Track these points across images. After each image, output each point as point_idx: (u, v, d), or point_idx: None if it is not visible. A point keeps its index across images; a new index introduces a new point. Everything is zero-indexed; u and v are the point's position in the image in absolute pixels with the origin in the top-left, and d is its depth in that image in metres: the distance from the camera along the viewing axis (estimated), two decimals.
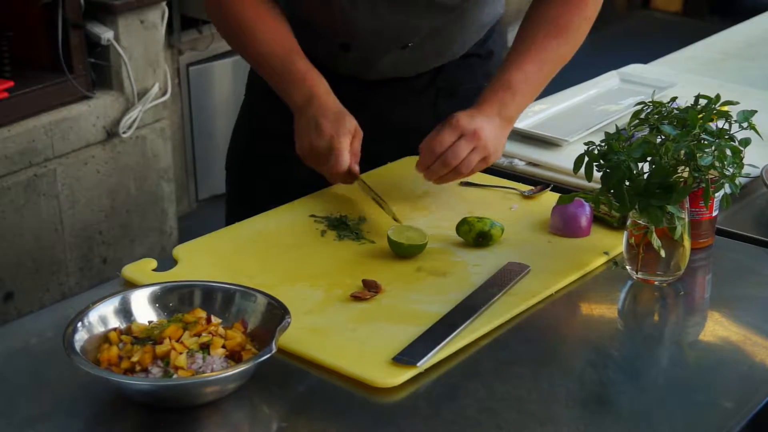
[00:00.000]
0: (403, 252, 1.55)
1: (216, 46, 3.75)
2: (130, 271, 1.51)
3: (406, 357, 1.30)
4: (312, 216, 1.68)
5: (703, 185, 1.47)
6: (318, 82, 1.70)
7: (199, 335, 1.25)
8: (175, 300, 1.35)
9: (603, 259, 1.57)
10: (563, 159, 1.92)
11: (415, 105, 1.92)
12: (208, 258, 1.55)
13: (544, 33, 1.75)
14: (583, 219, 1.62)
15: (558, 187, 1.81)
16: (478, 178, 1.84)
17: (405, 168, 1.90)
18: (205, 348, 1.24)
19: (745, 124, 1.52)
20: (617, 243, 1.57)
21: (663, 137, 1.47)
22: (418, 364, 1.29)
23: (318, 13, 1.80)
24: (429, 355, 1.31)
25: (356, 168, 1.67)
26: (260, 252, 1.57)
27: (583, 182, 1.56)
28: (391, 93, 1.91)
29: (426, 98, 1.92)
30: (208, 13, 1.82)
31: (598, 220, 1.64)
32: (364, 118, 1.70)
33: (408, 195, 1.77)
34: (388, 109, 1.91)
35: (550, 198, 1.73)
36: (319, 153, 1.65)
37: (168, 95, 3.40)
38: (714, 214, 1.60)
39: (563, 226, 1.63)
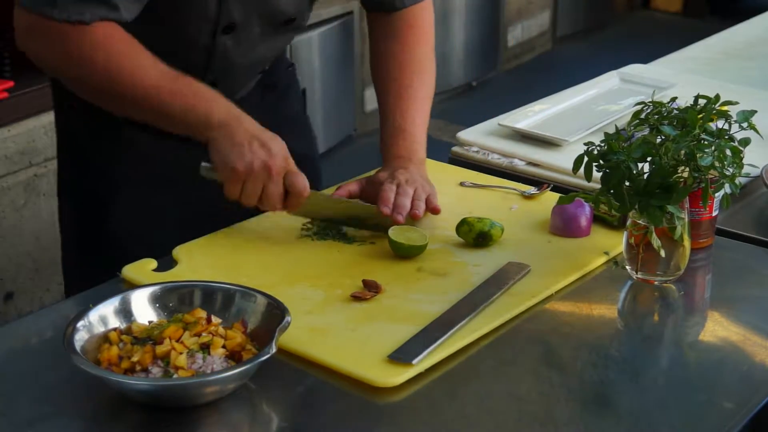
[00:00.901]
0: (403, 252, 1.55)
1: None
2: (130, 271, 1.51)
3: (401, 355, 1.30)
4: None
5: (703, 185, 1.47)
6: (229, 102, 1.58)
7: (199, 335, 1.25)
8: (175, 300, 1.35)
9: (603, 259, 1.57)
10: (563, 159, 1.92)
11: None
12: (208, 258, 1.55)
13: (408, 71, 1.78)
14: (583, 219, 1.62)
15: (558, 187, 1.81)
16: (478, 178, 1.84)
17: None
18: (205, 348, 1.24)
19: (745, 124, 1.52)
20: (617, 243, 1.57)
21: (663, 137, 1.47)
22: (414, 362, 1.29)
23: (186, 56, 1.67)
24: (424, 353, 1.31)
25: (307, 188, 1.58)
26: (260, 252, 1.57)
27: (583, 182, 1.56)
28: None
29: (255, 98, 1.86)
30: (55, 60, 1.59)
31: (598, 219, 1.64)
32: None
33: None
34: None
35: (550, 198, 1.73)
36: (268, 175, 1.53)
37: None
38: (714, 214, 1.60)
39: (563, 226, 1.63)
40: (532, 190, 1.78)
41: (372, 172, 1.73)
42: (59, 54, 1.56)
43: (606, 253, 1.58)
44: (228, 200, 1.55)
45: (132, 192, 1.75)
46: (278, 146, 1.54)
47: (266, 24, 1.70)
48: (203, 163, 1.56)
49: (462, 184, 1.82)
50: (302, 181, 1.55)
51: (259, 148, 1.52)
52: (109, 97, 1.58)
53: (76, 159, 1.82)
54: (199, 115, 1.54)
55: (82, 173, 1.81)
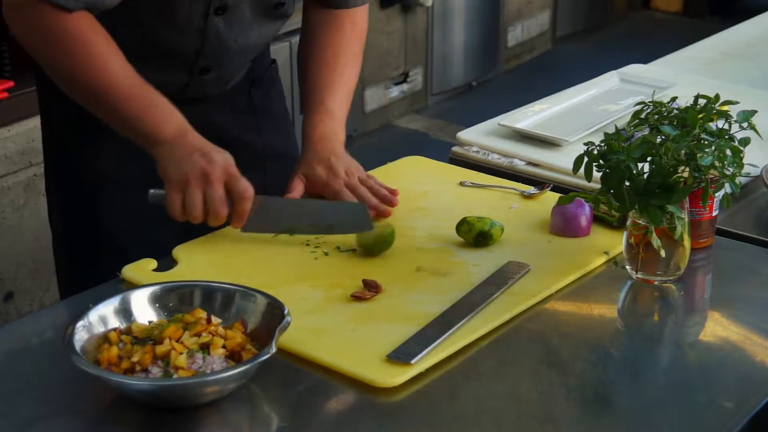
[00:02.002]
0: (373, 250, 1.56)
1: None
2: (130, 271, 1.51)
3: (400, 355, 1.30)
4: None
5: (703, 185, 1.47)
6: (184, 119, 1.59)
7: (199, 335, 1.25)
8: (175, 300, 1.35)
9: (603, 259, 1.57)
10: (563, 159, 1.92)
11: (237, 108, 1.90)
12: (208, 258, 1.55)
13: (343, 61, 1.84)
14: (583, 219, 1.62)
15: (558, 187, 1.81)
16: (478, 178, 1.84)
17: (404, 168, 1.90)
18: (205, 348, 1.24)
19: (745, 124, 1.52)
20: (617, 243, 1.57)
21: (663, 137, 1.47)
22: (413, 362, 1.29)
23: (179, 40, 1.70)
24: (423, 352, 1.31)
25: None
26: (260, 252, 1.57)
27: (583, 182, 1.56)
28: (222, 106, 1.85)
29: (242, 94, 1.90)
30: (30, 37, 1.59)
31: (598, 219, 1.64)
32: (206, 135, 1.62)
33: (407, 195, 1.77)
34: (225, 122, 1.85)
35: (550, 198, 1.73)
36: (206, 181, 1.52)
37: None
38: (714, 214, 1.60)
39: (563, 225, 1.63)
40: (532, 189, 1.78)
41: (299, 166, 1.73)
42: (36, 34, 1.57)
43: (606, 253, 1.58)
44: (173, 218, 1.53)
45: (120, 190, 1.76)
46: (220, 156, 1.54)
47: (256, 7, 1.71)
48: (151, 191, 1.56)
49: (462, 183, 1.82)
50: (243, 184, 1.53)
51: (200, 158, 1.52)
52: (77, 88, 1.59)
53: (62, 156, 1.83)
54: (148, 126, 1.56)
55: (69, 170, 1.82)
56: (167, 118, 1.57)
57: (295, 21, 1.89)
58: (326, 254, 1.57)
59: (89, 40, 1.55)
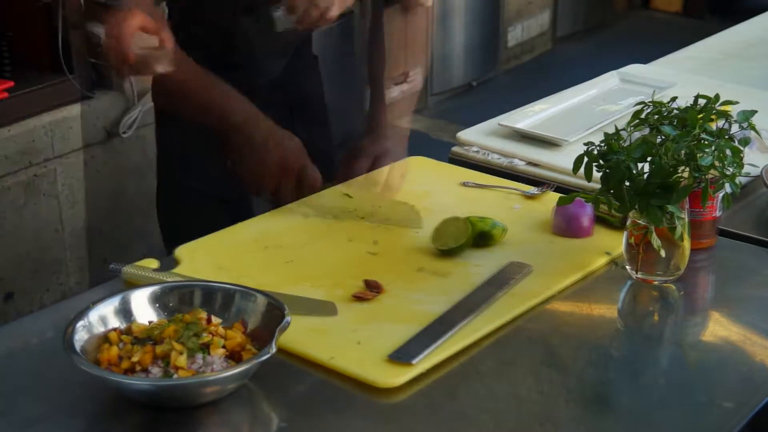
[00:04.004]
0: (450, 252, 1.57)
1: None
2: (130, 271, 1.50)
3: (401, 355, 1.30)
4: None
5: (703, 185, 1.47)
6: (252, 105, 1.74)
7: (199, 335, 1.25)
8: (175, 300, 1.35)
9: (605, 260, 1.57)
10: (563, 159, 1.92)
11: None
12: (210, 258, 1.55)
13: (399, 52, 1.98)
14: (584, 219, 1.62)
15: (559, 188, 1.81)
16: (480, 178, 1.84)
17: (406, 168, 1.90)
18: (205, 348, 1.24)
19: (745, 124, 1.52)
20: (619, 243, 1.57)
21: (663, 137, 1.47)
22: (413, 362, 1.29)
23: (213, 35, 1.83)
24: (424, 353, 1.31)
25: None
26: (261, 252, 1.57)
27: (584, 182, 1.56)
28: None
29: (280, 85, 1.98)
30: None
31: (599, 220, 1.64)
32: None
33: (409, 195, 1.77)
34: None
35: (551, 198, 1.73)
36: (282, 170, 1.70)
37: None
38: (716, 214, 1.60)
39: (565, 226, 1.63)
40: (534, 190, 1.78)
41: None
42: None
43: (608, 254, 1.58)
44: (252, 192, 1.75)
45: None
46: (292, 143, 1.69)
47: None
48: (111, 265, 1.51)
49: (464, 184, 1.82)
50: (313, 173, 1.69)
51: (275, 146, 1.68)
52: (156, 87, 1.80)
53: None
54: (214, 114, 1.71)
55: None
56: (240, 103, 1.71)
57: None
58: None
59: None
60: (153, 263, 1.52)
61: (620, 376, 1.35)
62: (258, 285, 1.39)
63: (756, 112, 1.54)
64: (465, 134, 2.08)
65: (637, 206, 1.46)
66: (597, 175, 1.51)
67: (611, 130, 1.53)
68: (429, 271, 1.53)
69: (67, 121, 3.08)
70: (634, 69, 2.50)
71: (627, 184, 1.47)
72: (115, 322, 1.30)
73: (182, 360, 1.21)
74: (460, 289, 1.47)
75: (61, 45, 3.03)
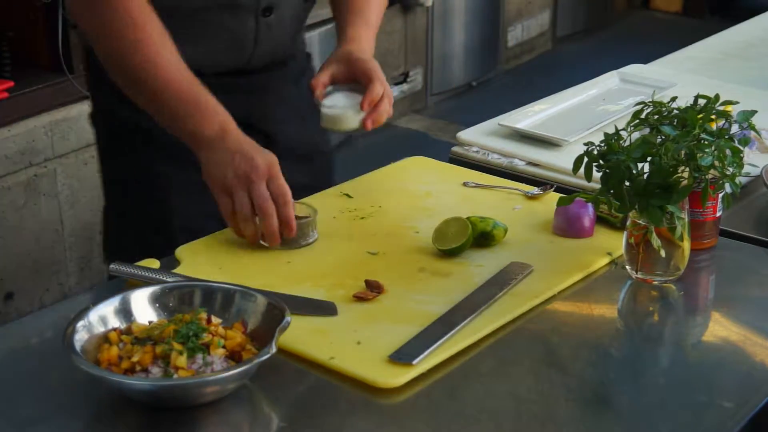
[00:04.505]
0: (452, 252, 1.56)
1: None
2: (131, 271, 1.50)
3: (402, 355, 1.30)
4: None
5: (703, 185, 1.47)
6: (228, 117, 1.60)
7: (199, 335, 1.25)
8: (175, 300, 1.35)
9: (606, 260, 1.57)
10: (563, 159, 1.92)
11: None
12: (211, 258, 1.55)
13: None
14: (586, 219, 1.62)
15: (559, 188, 1.81)
16: (481, 178, 1.84)
17: (407, 168, 1.90)
18: (205, 348, 1.24)
19: (745, 124, 1.52)
20: (620, 244, 1.57)
21: (663, 137, 1.47)
22: (414, 362, 1.29)
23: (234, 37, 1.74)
24: (425, 353, 1.31)
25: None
26: (263, 252, 1.57)
27: (584, 182, 1.56)
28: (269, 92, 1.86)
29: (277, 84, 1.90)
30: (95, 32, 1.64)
31: (601, 220, 1.64)
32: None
33: (410, 195, 1.77)
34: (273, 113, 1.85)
35: (553, 198, 1.72)
36: (249, 182, 1.53)
37: None
38: (718, 214, 1.60)
39: (566, 226, 1.63)
40: (535, 190, 1.78)
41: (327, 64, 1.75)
42: (97, 21, 1.60)
43: (609, 254, 1.58)
44: (229, 222, 1.56)
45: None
46: (262, 158, 1.54)
47: None
48: (112, 266, 1.48)
49: (465, 184, 1.82)
50: (281, 185, 1.54)
51: (242, 160, 1.54)
52: (128, 76, 1.61)
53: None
54: (191, 124, 1.58)
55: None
56: (211, 116, 1.58)
57: (320, 13, 1.91)
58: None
59: (143, 24, 1.57)
60: (153, 263, 1.52)
61: (620, 376, 1.35)
62: (258, 285, 1.39)
63: (756, 112, 1.54)
64: (465, 134, 2.08)
65: (637, 206, 1.46)
66: (597, 175, 1.51)
67: (611, 130, 1.53)
68: (430, 272, 1.53)
69: (67, 121, 3.08)
70: (634, 69, 2.50)
71: (627, 184, 1.47)
72: (115, 322, 1.30)
73: (182, 360, 1.21)
74: (461, 290, 1.47)
75: (61, 45, 3.03)
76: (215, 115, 1.58)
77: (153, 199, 1.77)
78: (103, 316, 1.30)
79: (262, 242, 1.57)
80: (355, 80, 1.72)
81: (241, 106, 1.70)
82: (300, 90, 1.86)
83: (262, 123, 1.79)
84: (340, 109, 1.70)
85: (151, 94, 1.61)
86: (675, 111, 1.51)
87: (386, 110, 1.70)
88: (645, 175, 1.47)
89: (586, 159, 1.51)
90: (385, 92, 1.69)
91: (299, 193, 1.63)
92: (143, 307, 1.33)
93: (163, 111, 1.61)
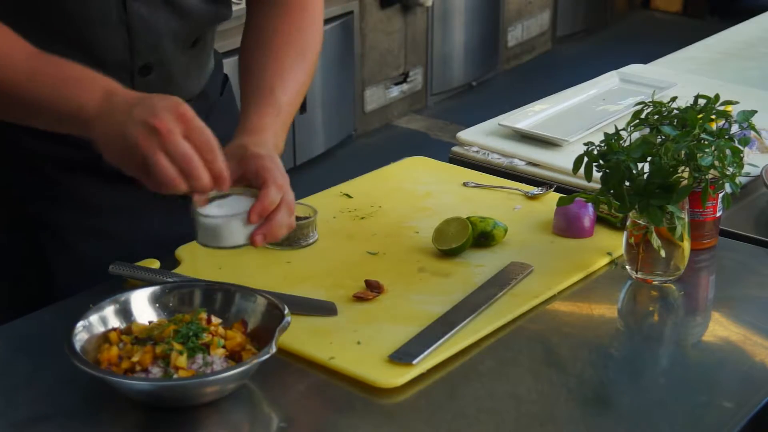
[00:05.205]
0: (452, 252, 1.56)
1: (215, 45, 3.74)
2: (131, 271, 1.50)
3: (402, 355, 1.30)
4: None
5: (703, 185, 1.47)
6: (113, 82, 1.30)
7: (199, 335, 1.25)
8: (175, 300, 1.35)
9: (606, 260, 1.57)
10: (563, 159, 1.92)
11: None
12: (210, 258, 1.55)
13: (293, 53, 1.55)
14: (586, 219, 1.62)
15: (559, 188, 1.81)
16: (481, 178, 1.84)
17: (407, 168, 1.90)
18: (205, 348, 1.24)
19: (745, 124, 1.52)
20: (620, 244, 1.57)
21: (663, 137, 1.47)
22: (414, 362, 1.29)
23: (105, 37, 1.47)
24: (425, 353, 1.31)
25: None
26: (263, 252, 1.57)
27: (584, 182, 1.56)
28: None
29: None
30: None
31: (601, 220, 1.64)
32: None
33: (410, 195, 1.77)
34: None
35: (553, 198, 1.72)
36: (158, 137, 1.22)
37: None
38: (718, 214, 1.60)
39: (566, 226, 1.63)
40: (535, 190, 1.78)
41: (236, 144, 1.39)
42: None
43: (609, 254, 1.58)
44: (161, 193, 1.27)
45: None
46: (164, 102, 1.24)
47: None
48: (111, 266, 1.40)
49: (465, 184, 1.82)
50: (205, 133, 1.25)
51: (141, 112, 1.23)
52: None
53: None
54: (67, 104, 1.28)
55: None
56: (88, 84, 1.28)
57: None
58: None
59: None
60: (153, 263, 1.52)
61: (620, 376, 1.35)
62: (258, 285, 1.39)
63: (756, 112, 1.54)
64: (465, 134, 2.08)
65: (637, 206, 1.46)
66: (597, 175, 1.51)
67: (611, 130, 1.53)
68: (430, 272, 1.53)
69: None
70: (634, 69, 2.50)
71: (627, 184, 1.47)
72: (115, 322, 1.30)
73: (182, 360, 1.21)
74: (461, 290, 1.47)
75: None
76: (93, 81, 1.29)
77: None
78: (103, 316, 1.30)
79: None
80: (246, 181, 1.35)
81: None
82: (211, 125, 1.54)
83: None
84: (221, 219, 1.31)
85: (18, 98, 1.31)
86: (675, 111, 1.51)
87: (285, 222, 1.31)
88: (645, 175, 1.47)
89: (586, 159, 1.51)
90: (284, 200, 1.31)
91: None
92: (143, 307, 1.33)
93: (23, 105, 1.32)
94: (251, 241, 1.31)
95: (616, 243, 1.59)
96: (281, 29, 1.58)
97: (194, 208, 1.32)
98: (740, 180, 1.50)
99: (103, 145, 1.27)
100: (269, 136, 1.42)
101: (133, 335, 1.27)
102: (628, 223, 1.51)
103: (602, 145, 1.50)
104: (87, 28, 1.46)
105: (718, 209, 1.59)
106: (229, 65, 1.73)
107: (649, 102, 1.54)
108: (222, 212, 1.32)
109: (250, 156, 1.35)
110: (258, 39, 1.58)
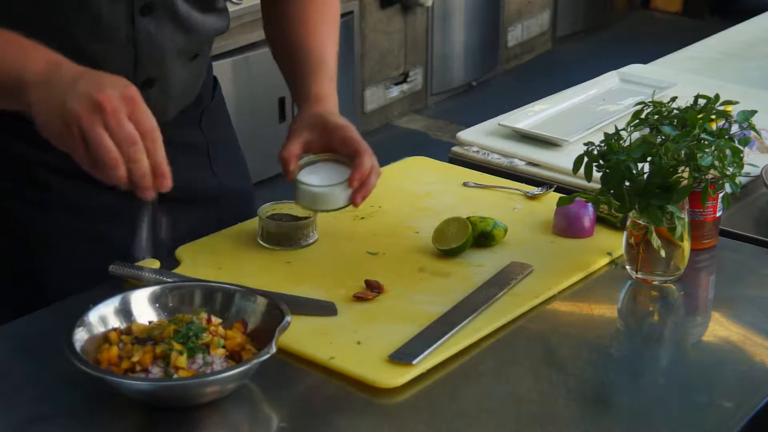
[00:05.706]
0: (452, 252, 1.56)
1: (216, 45, 3.75)
2: (131, 271, 1.50)
3: (402, 355, 1.30)
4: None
5: (703, 185, 1.47)
6: (60, 56, 1.26)
7: (199, 335, 1.25)
8: (175, 300, 1.35)
9: (606, 260, 1.57)
10: (563, 159, 1.92)
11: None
12: (211, 258, 1.55)
13: (326, 26, 1.65)
14: (586, 219, 1.62)
15: (559, 188, 1.81)
16: (482, 178, 1.84)
17: (407, 168, 1.90)
18: (205, 348, 1.24)
19: (745, 124, 1.52)
20: (620, 244, 1.57)
21: (663, 137, 1.47)
22: (414, 362, 1.29)
23: (111, 52, 1.47)
24: (425, 353, 1.31)
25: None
26: (263, 252, 1.57)
27: (584, 182, 1.56)
28: (173, 143, 1.40)
29: (192, 125, 1.69)
30: None
31: (601, 220, 1.64)
32: None
33: (410, 195, 1.77)
34: (179, 163, 1.37)
35: (553, 198, 1.72)
36: (102, 113, 1.17)
37: None
38: (718, 214, 1.60)
39: (566, 226, 1.63)
40: (536, 190, 1.78)
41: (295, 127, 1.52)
42: None
43: (609, 254, 1.58)
44: (92, 174, 1.22)
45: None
46: (112, 79, 1.21)
47: (189, 1, 1.53)
48: (111, 267, 1.42)
49: (465, 184, 1.82)
50: (148, 119, 1.21)
51: (86, 84, 1.19)
52: None
53: None
54: (11, 74, 1.23)
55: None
56: (33, 52, 1.24)
57: (236, 40, 1.72)
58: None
59: None
60: (153, 263, 1.52)
61: (620, 376, 1.35)
62: (258, 285, 1.39)
63: (756, 112, 1.54)
64: (465, 134, 2.08)
65: (637, 206, 1.47)
66: (597, 175, 1.51)
67: (611, 130, 1.53)
68: (430, 272, 1.53)
69: None
70: (634, 69, 2.50)
71: (627, 184, 1.47)
72: (115, 322, 1.30)
73: (182, 360, 1.21)
74: (461, 290, 1.47)
75: None
76: (41, 51, 1.25)
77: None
78: (103, 316, 1.30)
79: (261, 243, 1.57)
80: (331, 149, 1.52)
81: None
82: (203, 126, 1.67)
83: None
84: (328, 187, 1.49)
85: None
86: (675, 111, 1.51)
87: (374, 184, 1.50)
88: (645, 175, 1.47)
89: (586, 159, 1.51)
90: (373, 165, 1.50)
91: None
92: (143, 307, 1.33)
93: None
94: (352, 202, 1.49)
95: (616, 243, 1.59)
96: (311, 8, 1.66)
97: (293, 175, 1.49)
98: (740, 180, 1.50)
99: (38, 114, 1.21)
100: (334, 103, 1.57)
101: (133, 335, 1.27)
102: (628, 223, 1.51)
103: (602, 145, 1.50)
104: (95, 43, 1.47)
105: (718, 209, 1.59)
106: (219, 68, 1.73)
107: (649, 102, 1.54)
108: (322, 180, 1.50)
109: (334, 126, 1.51)
110: (292, 15, 1.65)
